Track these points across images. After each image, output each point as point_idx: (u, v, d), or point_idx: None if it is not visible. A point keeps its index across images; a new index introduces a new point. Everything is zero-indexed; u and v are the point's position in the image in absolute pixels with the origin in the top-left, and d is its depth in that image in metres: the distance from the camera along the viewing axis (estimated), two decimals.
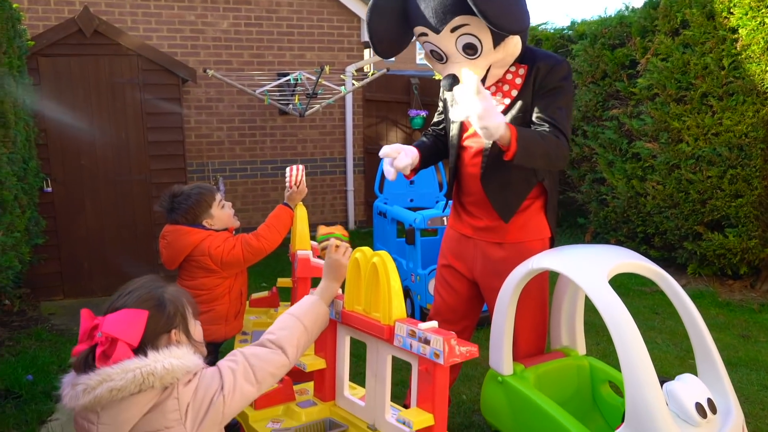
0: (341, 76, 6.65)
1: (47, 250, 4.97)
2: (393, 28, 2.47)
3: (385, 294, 1.64)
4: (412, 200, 5.39)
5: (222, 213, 2.57)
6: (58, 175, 5.07)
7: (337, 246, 1.88)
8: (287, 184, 2.65)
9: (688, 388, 2.11)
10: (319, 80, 6.14)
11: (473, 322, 2.84)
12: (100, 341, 1.38)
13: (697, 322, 2.25)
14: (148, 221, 5.19)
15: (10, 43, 3.95)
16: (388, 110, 7.88)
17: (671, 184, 5.17)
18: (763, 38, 4.53)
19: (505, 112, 2.44)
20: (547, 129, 2.37)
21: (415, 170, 2.68)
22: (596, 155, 6.01)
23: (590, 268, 2.23)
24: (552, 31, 6.85)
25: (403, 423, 1.53)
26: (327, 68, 6.01)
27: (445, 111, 2.73)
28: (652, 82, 5.25)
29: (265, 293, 2.99)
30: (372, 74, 6.71)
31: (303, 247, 2.50)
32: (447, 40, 2.34)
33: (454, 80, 2.37)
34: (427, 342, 1.53)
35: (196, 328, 1.59)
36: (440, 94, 2.79)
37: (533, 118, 2.41)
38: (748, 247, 4.83)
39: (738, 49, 4.68)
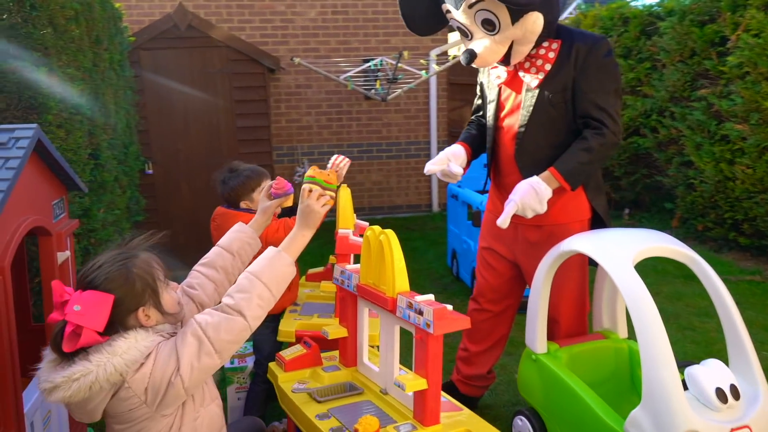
0: (421, 61, 6.75)
1: (148, 227, 5.45)
2: (423, 5, 2.58)
3: (389, 269, 1.79)
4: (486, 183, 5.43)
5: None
6: (158, 159, 5.57)
7: (310, 191, 1.80)
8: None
9: (710, 372, 2.11)
10: (399, 65, 6.28)
11: (516, 302, 2.92)
12: (68, 322, 1.46)
13: (728, 307, 2.23)
14: None
15: (111, 40, 4.39)
16: (473, 94, 7.88)
17: (762, 167, 4.91)
18: None
19: (540, 86, 2.49)
20: (588, 131, 2.42)
21: (467, 164, 2.80)
22: (684, 137, 5.77)
23: (615, 252, 2.27)
24: (641, 7, 6.60)
25: (399, 386, 1.68)
26: (406, 53, 6.14)
27: (482, 93, 2.81)
28: (742, 59, 4.98)
29: (320, 269, 3.22)
30: (453, 58, 6.76)
31: (345, 227, 2.68)
32: (466, 16, 2.43)
33: (471, 56, 2.46)
34: (420, 313, 1.67)
35: (168, 295, 1.65)
36: (477, 78, 2.86)
37: (579, 111, 2.45)
38: None
39: None
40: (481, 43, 2.47)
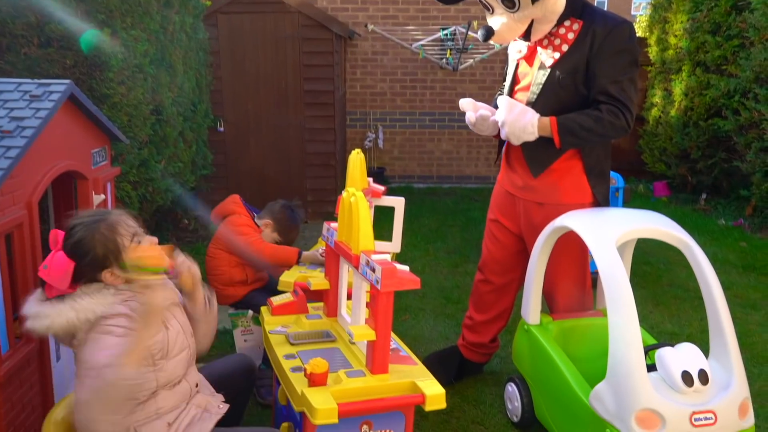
0: None
1: (217, 181, 5.88)
2: None
3: (355, 229, 1.93)
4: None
5: (270, 234, 3.03)
6: (230, 117, 5.92)
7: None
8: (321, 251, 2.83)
9: (679, 355, 2.12)
10: (470, 35, 6.26)
11: (520, 276, 2.96)
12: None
13: (714, 294, 2.21)
14: (301, 161, 5.86)
15: (184, 3, 4.70)
16: None
17: None
18: None
19: (554, 66, 2.50)
20: (605, 106, 2.40)
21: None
22: (765, 121, 5.43)
23: (601, 230, 2.29)
24: None
25: (349, 334, 1.84)
26: (475, 23, 6.11)
27: (507, 65, 2.83)
28: None
29: None
30: None
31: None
32: None
33: (488, 32, 2.50)
34: (373, 270, 1.80)
35: (136, 250, 1.76)
36: (508, 50, 2.88)
37: (594, 91, 2.44)
38: None
39: None
40: (499, 19, 2.50)
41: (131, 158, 3.80)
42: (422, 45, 6.56)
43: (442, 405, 1.82)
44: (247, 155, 5.98)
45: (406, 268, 1.86)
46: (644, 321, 3.74)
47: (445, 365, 3.07)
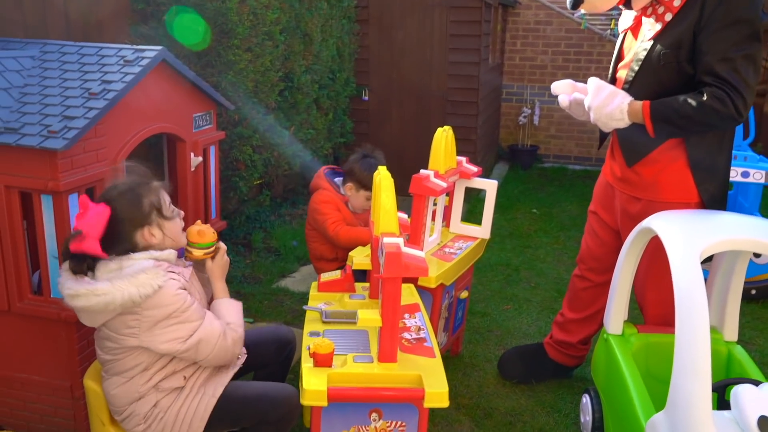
0: None
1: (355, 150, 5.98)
2: None
3: (377, 209, 1.83)
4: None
5: (357, 196, 3.02)
6: (374, 86, 5.96)
7: (212, 254, 2.02)
8: None
9: (761, 396, 1.75)
10: None
11: None
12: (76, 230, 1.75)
13: None
14: None
15: None
16: None
17: None
18: None
19: (655, 39, 2.16)
20: (710, 89, 2.03)
21: None
22: None
23: (686, 237, 1.94)
24: None
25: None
26: None
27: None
28: None
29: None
30: None
31: (432, 168, 2.69)
32: None
33: None
34: (383, 254, 1.70)
35: (172, 223, 1.88)
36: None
37: (700, 71, 2.07)
38: None
39: None
40: None
41: (255, 123, 3.98)
42: (584, 14, 6.05)
43: (444, 403, 1.68)
44: (389, 125, 6.00)
45: (421, 253, 1.73)
46: (761, 350, 3.17)
47: (525, 361, 2.87)
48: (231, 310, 1.97)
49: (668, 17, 2.12)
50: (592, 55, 7.10)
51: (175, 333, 1.77)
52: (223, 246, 2.06)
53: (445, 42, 5.68)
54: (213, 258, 2.03)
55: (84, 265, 1.78)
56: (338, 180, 3.09)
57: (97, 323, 1.79)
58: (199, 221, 2.08)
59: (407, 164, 5.93)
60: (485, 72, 5.94)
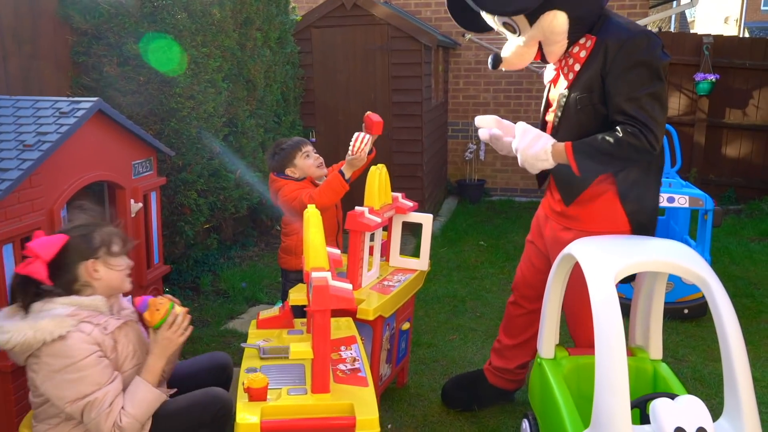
0: None
1: None
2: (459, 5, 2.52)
3: (307, 245, 1.91)
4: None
5: (304, 163, 3.03)
6: (321, 128, 6.09)
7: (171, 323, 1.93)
8: (349, 150, 2.93)
9: (676, 409, 1.85)
10: None
11: None
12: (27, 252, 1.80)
13: (730, 343, 1.91)
14: (390, 171, 5.88)
15: (269, 20, 4.92)
16: (672, 73, 7.09)
17: None
18: None
19: (569, 87, 2.33)
20: (623, 127, 2.18)
21: None
22: None
23: (601, 260, 2.06)
24: None
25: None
26: None
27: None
28: None
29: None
30: None
31: (367, 205, 2.79)
32: (491, 19, 2.36)
33: (495, 59, 2.41)
34: (311, 288, 1.78)
35: (117, 267, 1.91)
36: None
37: (611, 111, 2.24)
38: None
39: None
40: (508, 46, 2.42)
41: (199, 168, 4.04)
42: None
43: (375, 430, 1.74)
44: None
45: (349, 286, 1.81)
46: (693, 367, 3.32)
47: (467, 389, 2.94)
48: (140, 396, 1.85)
49: (577, 67, 2.29)
50: (531, 91, 7.39)
51: (66, 390, 1.75)
52: (176, 320, 1.95)
53: (388, 83, 5.87)
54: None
55: (28, 294, 1.81)
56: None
57: (20, 362, 1.82)
58: (159, 297, 2.01)
59: (357, 203, 6.07)
60: (428, 110, 6.14)
